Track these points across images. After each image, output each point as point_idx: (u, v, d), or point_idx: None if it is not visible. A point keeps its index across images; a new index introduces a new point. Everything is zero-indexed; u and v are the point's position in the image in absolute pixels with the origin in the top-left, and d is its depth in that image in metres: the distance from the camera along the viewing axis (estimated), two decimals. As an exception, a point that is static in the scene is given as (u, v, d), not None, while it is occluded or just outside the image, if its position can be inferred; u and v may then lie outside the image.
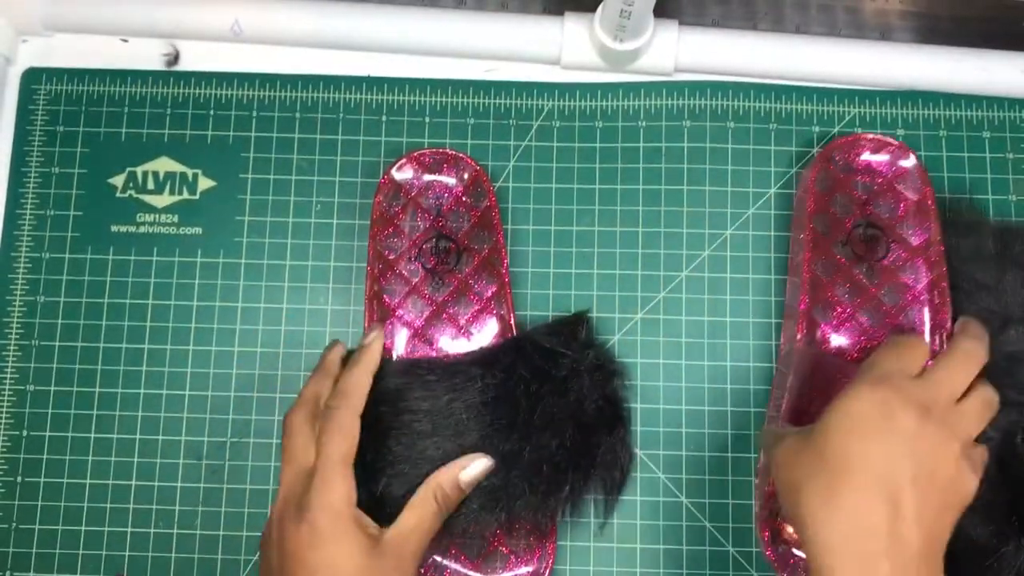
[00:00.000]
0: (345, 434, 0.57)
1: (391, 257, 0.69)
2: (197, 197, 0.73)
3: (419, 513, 0.58)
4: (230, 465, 0.69)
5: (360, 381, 0.61)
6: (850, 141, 0.70)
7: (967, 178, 0.74)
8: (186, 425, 0.70)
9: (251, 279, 0.72)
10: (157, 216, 0.72)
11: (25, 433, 0.69)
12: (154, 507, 0.69)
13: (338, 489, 0.55)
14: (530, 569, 0.66)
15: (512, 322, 0.68)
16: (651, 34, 0.72)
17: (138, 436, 0.70)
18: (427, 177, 0.70)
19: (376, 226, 0.69)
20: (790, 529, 0.66)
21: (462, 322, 0.68)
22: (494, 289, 0.69)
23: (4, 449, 0.69)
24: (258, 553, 0.68)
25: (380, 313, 0.68)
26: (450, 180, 0.70)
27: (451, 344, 0.68)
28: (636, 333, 0.71)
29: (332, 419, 0.58)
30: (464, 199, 0.70)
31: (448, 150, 0.71)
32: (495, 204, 0.70)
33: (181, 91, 0.75)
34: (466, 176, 0.70)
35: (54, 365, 0.70)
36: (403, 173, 0.70)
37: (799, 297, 0.67)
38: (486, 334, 0.68)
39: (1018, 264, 0.68)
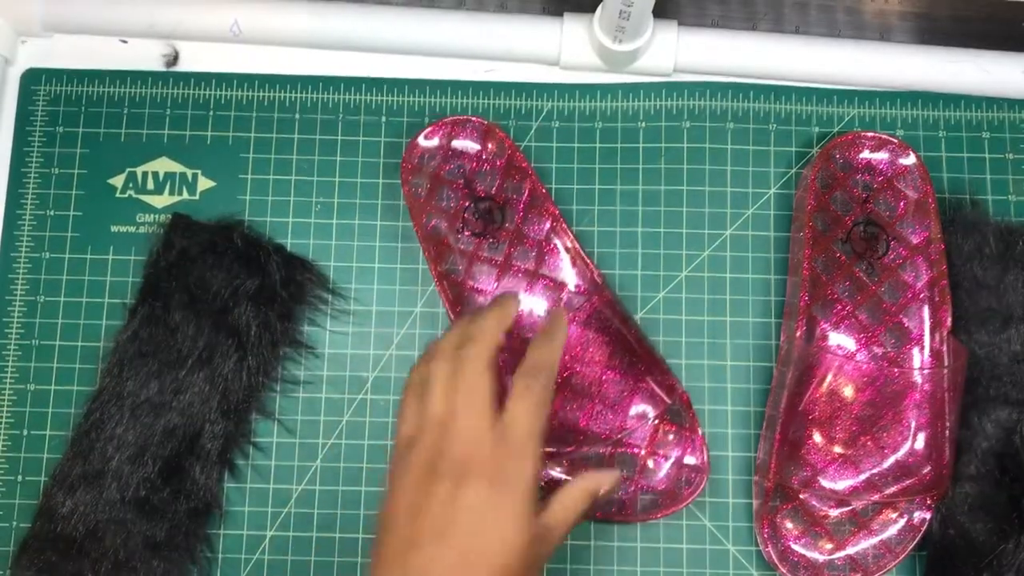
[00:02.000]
0: (543, 407, 0.53)
1: (439, 237, 0.69)
2: (197, 197, 0.73)
3: (569, 509, 0.53)
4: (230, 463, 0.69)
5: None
6: (850, 139, 0.70)
7: (967, 178, 0.74)
8: (186, 425, 0.70)
9: (251, 279, 0.72)
10: (157, 216, 0.72)
11: (25, 432, 0.69)
12: (153, 507, 0.69)
13: (535, 463, 0.51)
14: (694, 460, 0.68)
15: (578, 246, 0.69)
16: (650, 35, 0.72)
17: (138, 436, 0.70)
18: (440, 151, 0.71)
19: (413, 214, 0.70)
20: (789, 525, 0.66)
21: (531, 267, 0.68)
22: (548, 224, 0.69)
23: (4, 448, 0.69)
24: (257, 553, 0.68)
25: (453, 292, 0.68)
26: (463, 144, 0.71)
27: (532, 294, 0.68)
28: (636, 333, 0.71)
29: (539, 386, 0.53)
30: (483, 156, 0.70)
31: (447, 118, 0.71)
32: (514, 146, 0.70)
33: (181, 92, 0.75)
34: (476, 134, 0.71)
35: (54, 365, 0.70)
36: (414, 158, 0.70)
37: (799, 295, 0.67)
38: (559, 268, 0.69)
39: (1020, 264, 0.69)
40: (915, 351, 0.67)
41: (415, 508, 0.49)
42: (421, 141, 0.70)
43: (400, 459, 0.52)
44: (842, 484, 0.65)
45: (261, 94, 0.75)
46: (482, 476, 0.49)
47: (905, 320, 0.67)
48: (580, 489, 0.53)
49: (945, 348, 0.66)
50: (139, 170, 0.73)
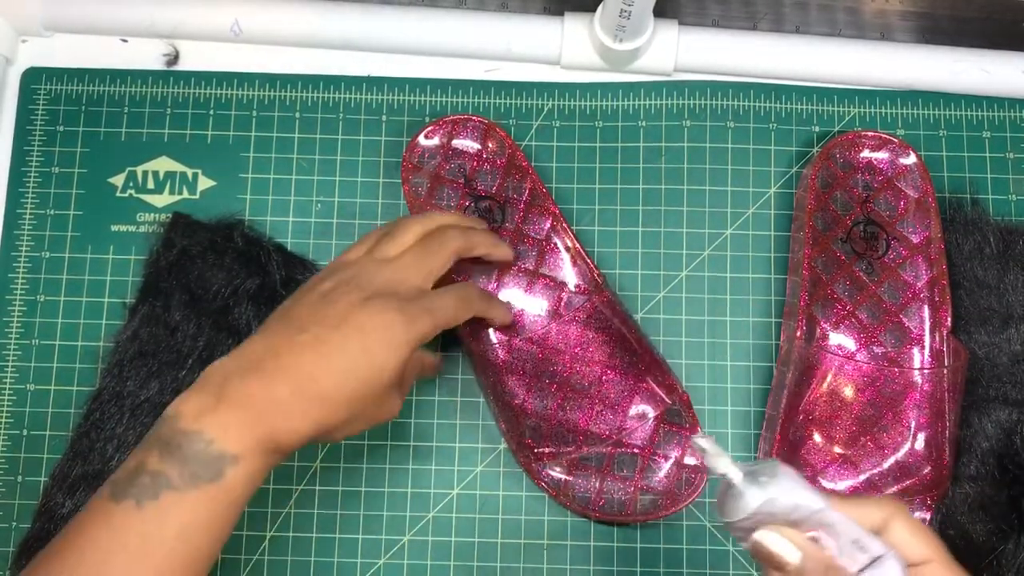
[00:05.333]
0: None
1: None
2: (197, 197, 0.73)
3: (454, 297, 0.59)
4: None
5: None
6: (851, 138, 0.70)
7: (967, 178, 0.74)
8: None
9: (251, 278, 0.72)
10: (157, 216, 0.72)
11: (25, 432, 0.69)
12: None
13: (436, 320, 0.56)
14: (694, 461, 0.67)
15: (579, 246, 0.68)
16: (651, 34, 0.72)
17: (138, 435, 0.70)
18: (440, 150, 0.70)
19: (413, 213, 0.69)
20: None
21: (531, 267, 0.68)
22: (549, 223, 0.69)
23: (4, 448, 0.69)
24: (257, 554, 0.68)
25: None
26: (463, 143, 0.70)
27: (532, 293, 0.68)
28: (636, 332, 0.71)
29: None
30: (484, 155, 0.70)
31: (447, 117, 0.71)
32: (515, 145, 0.70)
33: (181, 91, 0.75)
34: (477, 133, 0.70)
35: (54, 364, 0.70)
36: (415, 157, 0.70)
37: (799, 294, 0.67)
38: (560, 267, 0.68)
39: (1020, 263, 0.69)
40: (915, 351, 0.67)
41: (326, 301, 0.54)
42: (421, 140, 0.70)
43: (329, 271, 0.58)
44: (842, 484, 0.65)
45: (261, 93, 0.75)
46: (394, 300, 0.54)
47: (905, 320, 0.67)
48: (455, 295, 0.59)
49: (945, 348, 0.66)
50: (139, 169, 0.73)
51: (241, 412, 0.48)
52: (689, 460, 0.67)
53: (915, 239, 0.68)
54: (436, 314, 0.56)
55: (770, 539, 0.44)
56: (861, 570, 0.44)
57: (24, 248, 0.72)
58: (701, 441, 0.45)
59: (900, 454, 0.65)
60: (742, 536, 0.46)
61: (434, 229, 0.60)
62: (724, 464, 0.44)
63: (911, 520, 0.46)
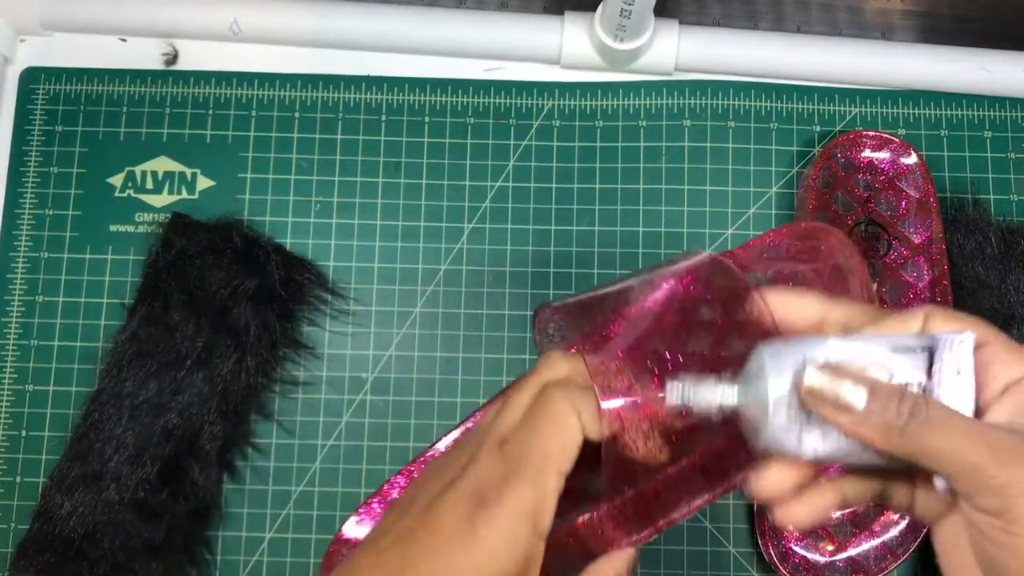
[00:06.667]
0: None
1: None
2: (196, 197, 0.73)
3: None
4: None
5: None
6: (852, 138, 0.70)
7: (968, 178, 0.74)
8: (185, 425, 0.70)
9: (250, 279, 0.72)
10: (156, 216, 0.72)
11: (24, 433, 0.69)
12: (152, 507, 0.69)
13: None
14: None
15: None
16: (651, 33, 0.72)
17: (136, 436, 0.69)
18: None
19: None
20: (790, 527, 0.66)
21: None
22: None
23: (3, 449, 0.69)
24: (256, 555, 0.68)
25: None
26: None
27: None
28: (636, 333, 0.71)
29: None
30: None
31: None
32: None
33: (180, 90, 0.74)
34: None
35: (52, 365, 0.70)
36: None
37: (800, 296, 0.67)
38: None
39: (1022, 264, 0.68)
40: (916, 352, 0.66)
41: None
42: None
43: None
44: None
45: (260, 93, 0.75)
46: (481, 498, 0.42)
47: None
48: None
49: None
50: (138, 169, 0.73)
51: None
52: None
53: (916, 239, 0.68)
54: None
55: (821, 381, 0.36)
56: (929, 373, 0.36)
57: (23, 248, 0.72)
58: (674, 389, 0.38)
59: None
60: (775, 439, 0.38)
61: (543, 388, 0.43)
62: (716, 393, 0.38)
63: (947, 311, 0.38)
